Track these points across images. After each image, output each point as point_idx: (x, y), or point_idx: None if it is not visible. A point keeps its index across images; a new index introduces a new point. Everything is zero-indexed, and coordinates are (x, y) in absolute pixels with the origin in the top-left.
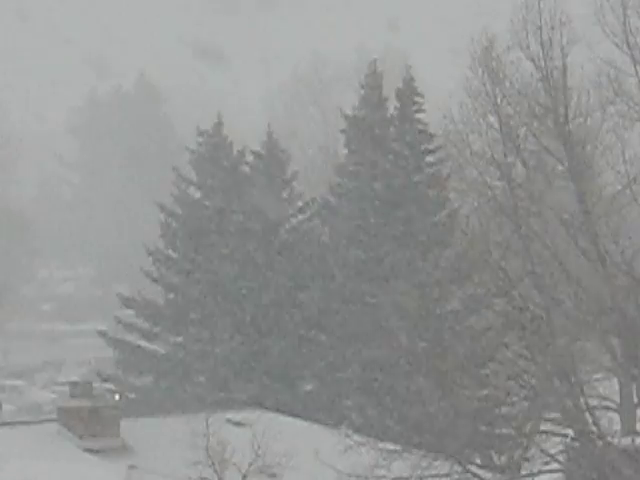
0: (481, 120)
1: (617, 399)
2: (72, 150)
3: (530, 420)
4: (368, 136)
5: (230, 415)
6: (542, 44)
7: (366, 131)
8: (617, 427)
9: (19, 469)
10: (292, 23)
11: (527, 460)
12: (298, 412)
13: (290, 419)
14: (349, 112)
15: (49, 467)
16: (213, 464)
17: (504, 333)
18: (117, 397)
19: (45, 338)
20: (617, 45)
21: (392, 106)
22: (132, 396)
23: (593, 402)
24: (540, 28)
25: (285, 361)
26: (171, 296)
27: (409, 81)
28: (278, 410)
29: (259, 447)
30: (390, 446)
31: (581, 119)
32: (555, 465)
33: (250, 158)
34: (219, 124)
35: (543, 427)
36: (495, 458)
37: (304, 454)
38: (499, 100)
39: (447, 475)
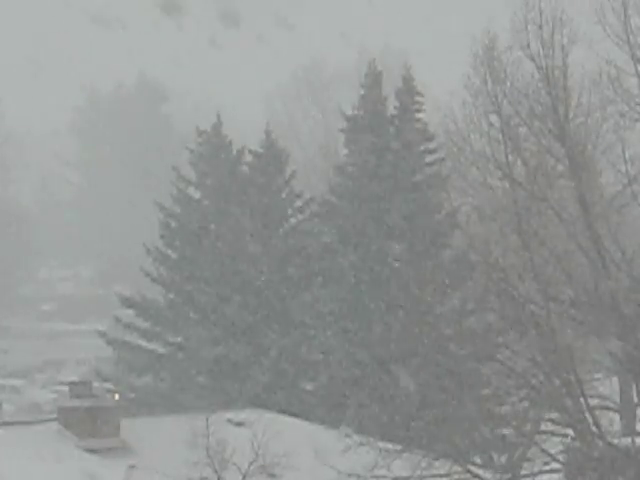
0: (482, 119)
1: (617, 399)
2: (72, 150)
3: (530, 420)
4: (368, 136)
5: (230, 415)
6: (543, 43)
7: (366, 131)
8: (617, 427)
9: (19, 469)
10: (292, 23)
11: (527, 460)
12: (298, 412)
13: (290, 419)
14: (349, 112)
15: (49, 467)
16: (213, 464)
17: (504, 333)
18: (117, 397)
19: (45, 338)
20: (618, 44)
21: (392, 106)
22: (132, 396)
23: (593, 402)
24: (541, 27)
25: (285, 361)
26: (171, 296)
27: (409, 80)
28: (278, 410)
29: (259, 447)
30: (390, 446)
31: (581, 119)
32: (555, 465)
33: (249, 158)
34: (218, 124)
35: (543, 427)
36: (495, 458)
37: (304, 454)
38: (500, 99)
39: (447, 475)
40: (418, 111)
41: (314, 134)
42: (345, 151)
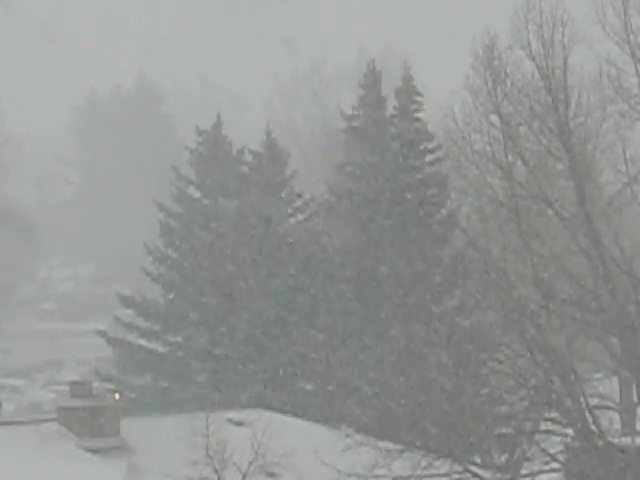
0: (482, 119)
1: (617, 399)
2: (72, 150)
3: (530, 420)
4: (367, 136)
5: (230, 415)
6: (543, 43)
7: (365, 131)
8: (617, 427)
9: (19, 469)
10: (292, 23)
11: (527, 460)
12: (298, 412)
13: (290, 419)
14: (349, 112)
15: (49, 467)
16: (213, 464)
17: (504, 333)
18: (117, 397)
19: (45, 338)
20: (618, 44)
21: (392, 106)
22: (132, 396)
23: (593, 402)
24: (541, 27)
25: (285, 361)
26: (171, 296)
27: (408, 80)
28: (278, 410)
29: (259, 447)
30: (390, 446)
31: (582, 118)
32: (555, 465)
33: (249, 158)
34: (218, 124)
35: (543, 427)
36: (495, 458)
37: (304, 454)
38: (500, 99)
39: (447, 475)
40: (418, 111)
41: (314, 134)
42: (345, 151)
